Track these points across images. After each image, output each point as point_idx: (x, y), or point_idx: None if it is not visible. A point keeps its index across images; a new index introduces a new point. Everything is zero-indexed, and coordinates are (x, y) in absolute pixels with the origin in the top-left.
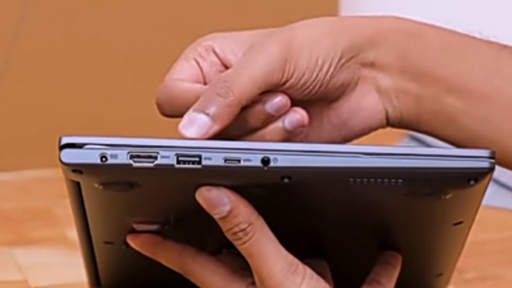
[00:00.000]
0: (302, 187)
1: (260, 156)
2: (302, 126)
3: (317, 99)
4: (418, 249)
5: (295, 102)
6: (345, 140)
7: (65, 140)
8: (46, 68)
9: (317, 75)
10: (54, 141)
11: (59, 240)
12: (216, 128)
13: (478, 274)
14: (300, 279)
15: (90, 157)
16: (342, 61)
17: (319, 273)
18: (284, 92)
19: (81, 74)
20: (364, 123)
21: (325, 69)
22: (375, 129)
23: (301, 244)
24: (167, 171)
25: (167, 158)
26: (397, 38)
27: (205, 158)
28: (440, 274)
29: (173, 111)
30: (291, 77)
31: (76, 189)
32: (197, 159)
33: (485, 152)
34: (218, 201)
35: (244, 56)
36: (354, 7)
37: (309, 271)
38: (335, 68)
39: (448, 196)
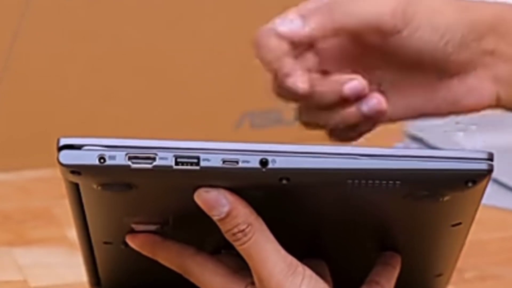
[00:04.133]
0: (300, 188)
1: (258, 158)
2: (380, 112)
3: (433, 70)
4: (417, 250)
5: (411, 65)
6: (450, 114)
7: (63, 142)
8: (46, 68)
9: (436, 42)
10: (54, 141)
11: (59, 240)
12: (306, 32)
13: (477, 274)
14: (299, 279)
15: (88, 158)
16: (463, 39)
17: (318, 273)
18: (395, 45)
19: (81, 74)
20: (475, 104)
21: (445, 39)
22: (484, 109)
23: (300, 244)
24: (166, 173)
25: (165, 160)
26: None
27: (204, 160)
28: (440, 275)
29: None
30: (404, 27)
31: (75, 190)
32: (195, 160)
33: (483, 154)
34: (216, 202)
35: None
36: None
37: (308, 271)
38: (454, 43)
39: (446, 198)
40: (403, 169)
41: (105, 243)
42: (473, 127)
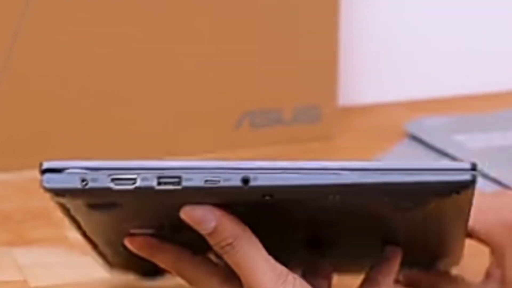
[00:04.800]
0: (284, 203)
1: (240, 176)
2: None
3: None
4: (414, 246)
5: None
6: None
7: (46, 165)
8: (46, 68)
9: None
10: (54, 141)
11: (59, 240)
12: None
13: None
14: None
15: (71, 181)
16: None
17: (324, 275)
18: None
19: (81, 74)
20: None
21: None
22: None
23: (296, 249)
24: (148, 193)
25: (147, 180)
26: None
27: (186, 180)
28: (445, 257)
29: None
30: None
31: (65, 208)
32: (177, 180)
33: (466, 165)
34: (203, 218)
35: None
36: (353, 1)
37: (298, 280)
38: None
39: (431, 206)
40: (385, 183)
41: (107, 244)
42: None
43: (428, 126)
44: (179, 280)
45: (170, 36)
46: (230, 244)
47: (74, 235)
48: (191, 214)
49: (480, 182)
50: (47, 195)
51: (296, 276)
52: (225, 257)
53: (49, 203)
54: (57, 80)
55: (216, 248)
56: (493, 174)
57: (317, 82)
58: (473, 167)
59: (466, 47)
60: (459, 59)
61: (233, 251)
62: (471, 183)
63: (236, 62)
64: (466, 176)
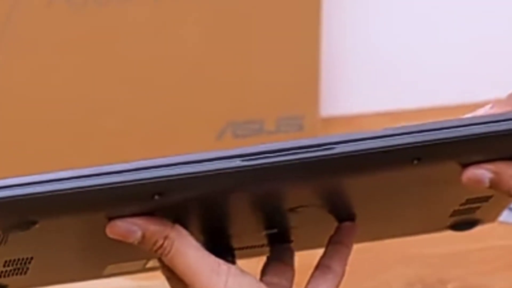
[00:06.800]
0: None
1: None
2: None
3: None
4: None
5: None
6: None
7: None
8: (29, 79)
9: None
10: (37, 151)
11: None
12: None
13: (460, 285)
14: (224, 277)
15: None
16: None
17: (282, 259)
18: None
19: (66, 84)
20: None
21: None
22: None
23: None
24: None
25: None
26: None
27: None
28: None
29: None
30: None
31: None
32: None
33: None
34: (128, 231)
35: None
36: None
37: (233, 269)
38: None
39: None
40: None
41: None
42: None
43: None
44: None
45: (153, 47)
46: (161, 245)
47: None
48: (116, 231)
49: None
50: None
51: (230, 265)
52: (163, 258)
53: None
54: (42, 91)
55: (151, 253)
56: None
57: (299, 93)
58: None
59: (449, 57)
60: (442, 69)
61: (165, 251)
62: None
63: (219, 73)
64: None
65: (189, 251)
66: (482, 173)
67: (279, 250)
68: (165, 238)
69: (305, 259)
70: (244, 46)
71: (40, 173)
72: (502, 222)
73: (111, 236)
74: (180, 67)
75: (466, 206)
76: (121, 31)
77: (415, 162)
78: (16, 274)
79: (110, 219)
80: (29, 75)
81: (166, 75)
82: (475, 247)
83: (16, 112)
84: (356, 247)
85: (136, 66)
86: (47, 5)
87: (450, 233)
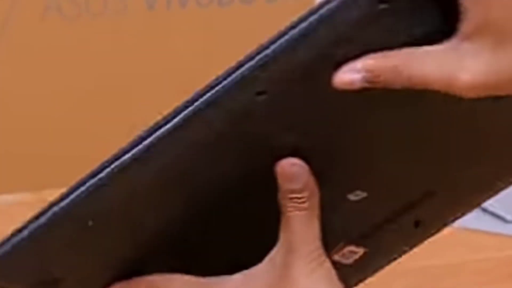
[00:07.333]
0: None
1: None
2: None
3: None
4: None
5: None
6: None
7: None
8: (23, 93)
9: None
10: (33, 164)
11: None
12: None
13: None
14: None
15: None
16: None
17: None
18: None
19: (58, 99)
20: None
21: None
22: None
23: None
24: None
25: None
26: None
27: None
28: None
29: None
30: None
31: None
32: None
33: None
34: (296, 176)
35: None
36: None
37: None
38: None
39: None
40: None
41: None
42: None
43: None
44: None
45: (147, 57)
46: (300, 198)
47: None
48: (287, 170)
49: None
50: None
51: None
52: (284, 210)
53: None
54: (34, 105)
55: (283, 200)
56: None
57: None
58: None
59: None
60: None
61: (302, 205)
62: None
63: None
64: None
65: (311, 221)
66: None
67: None
68: (310, 195)
69: None
70: (239, 56)
71: None
72: (466, 229)
73: (279, 172)
74: (174, 78)
75: None
76: (114, 42)
77: None
78: None
79: None
80: (22, 86)
81: (159, 86)
82: (471, 258)
83: (9, 123)
84: None
85: (130, 76)
86: (41, 17)
87: (445, 244)
